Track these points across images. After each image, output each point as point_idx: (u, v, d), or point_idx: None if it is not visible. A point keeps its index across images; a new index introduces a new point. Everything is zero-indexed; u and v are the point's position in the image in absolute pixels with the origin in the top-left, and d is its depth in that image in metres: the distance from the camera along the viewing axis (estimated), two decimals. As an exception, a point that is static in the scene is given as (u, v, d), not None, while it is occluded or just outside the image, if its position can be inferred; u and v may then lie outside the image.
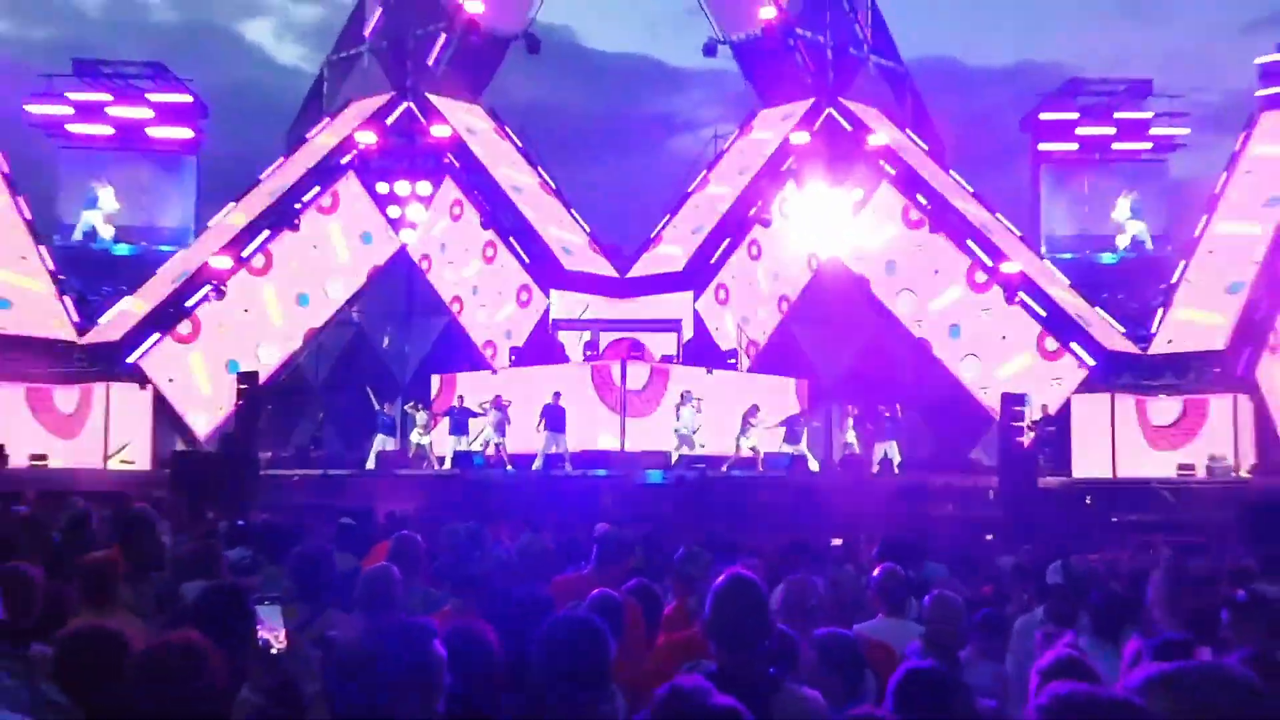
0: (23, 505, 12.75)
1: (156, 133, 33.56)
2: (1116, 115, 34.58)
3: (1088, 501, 23.09)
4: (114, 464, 25.58)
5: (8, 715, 3.22)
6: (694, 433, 25.08)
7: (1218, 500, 20.98)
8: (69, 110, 33.14)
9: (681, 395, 25.24)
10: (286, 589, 6.19)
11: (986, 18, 65.64)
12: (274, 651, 3.91)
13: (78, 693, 3.84)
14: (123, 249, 33.94)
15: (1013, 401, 23.04)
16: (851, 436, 27.89)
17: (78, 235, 33.73)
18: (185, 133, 33.79)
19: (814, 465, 26.71)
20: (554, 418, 24.94)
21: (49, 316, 27.68)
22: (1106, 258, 34.78)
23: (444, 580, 6.63)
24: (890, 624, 6.38)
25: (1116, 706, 2.36)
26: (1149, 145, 34.83)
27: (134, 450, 26.14)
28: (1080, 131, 34.65)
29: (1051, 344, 27.96)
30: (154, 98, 33.60)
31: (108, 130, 33.31)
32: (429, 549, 7.72)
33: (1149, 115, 34.91)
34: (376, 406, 27.33)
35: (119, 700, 3.20)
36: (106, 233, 33.82)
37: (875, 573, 6.90)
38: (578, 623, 3.83)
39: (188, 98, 33.95)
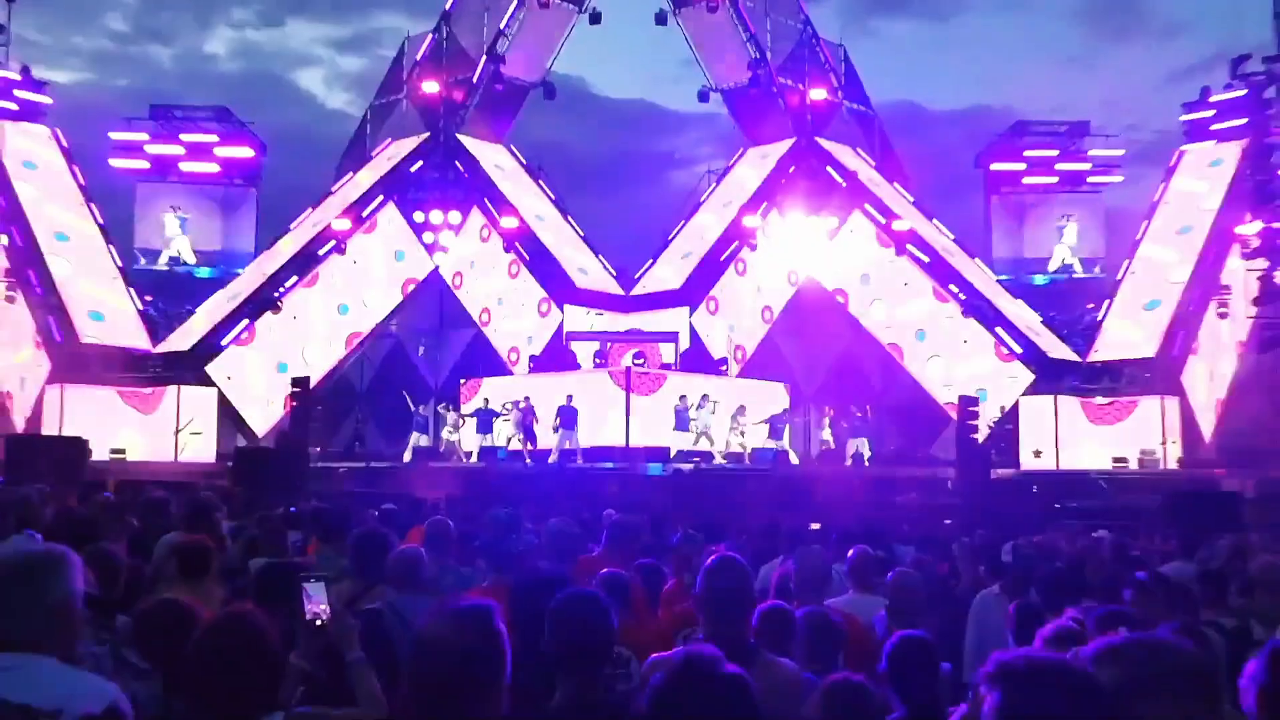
0: (106, 492, 12.81)
1: (221, 165, 33.69)
2: (1059, 153, 34.62)
3: (1034, 490, 23.09)
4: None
5: (91, 677, 3.24)
6: (706, 431, 25.17)
7: (1147, 489, 21.00)
8: (145, 144, 33.32)
9: (702, 398, 25.33)
10: (344, 566, 6.19)
11: (944, 66, 65.69)
12: (319, 623, 3.92)
13: (155, 658, 3.87)
14: (204, 271, 34.03)
15: (969, 402, 23.06)
16: (828, 434, 27.88)
17: (163, 262, 33.76)
18: (247, 168, 33.90)
19: (795, 459, 26.72)
20: (567, 417, 24.99)
21: (132, 329, 27.85)
22: (1038, 279, 34.87)
23: (484, 557, 6.63)
24: (860, 599, 6.37)
25: (1053, 668, 2.36)
26: (1087, 178, 34.87)
27: (200, 445, 26.19)
28: (1027, 170, 34.71)
29: (1005, 349, 28.05)
30: (219, 141, 33.71)
31: (178, 162, 33.47)
32: (460, 532, 7.72)
33: (1088, 152, 34.93)
34: (412, 408, 27.38)
35: (190, 664, 3.22)
36: (189, 258, 33.84)
37: (849, 554, 6.89)
38: (584, 598, 3.85)
39: (248, 138, 34.05)
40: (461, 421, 26.56)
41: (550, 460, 24.53)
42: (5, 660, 3.02)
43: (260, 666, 3.21)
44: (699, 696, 2.66)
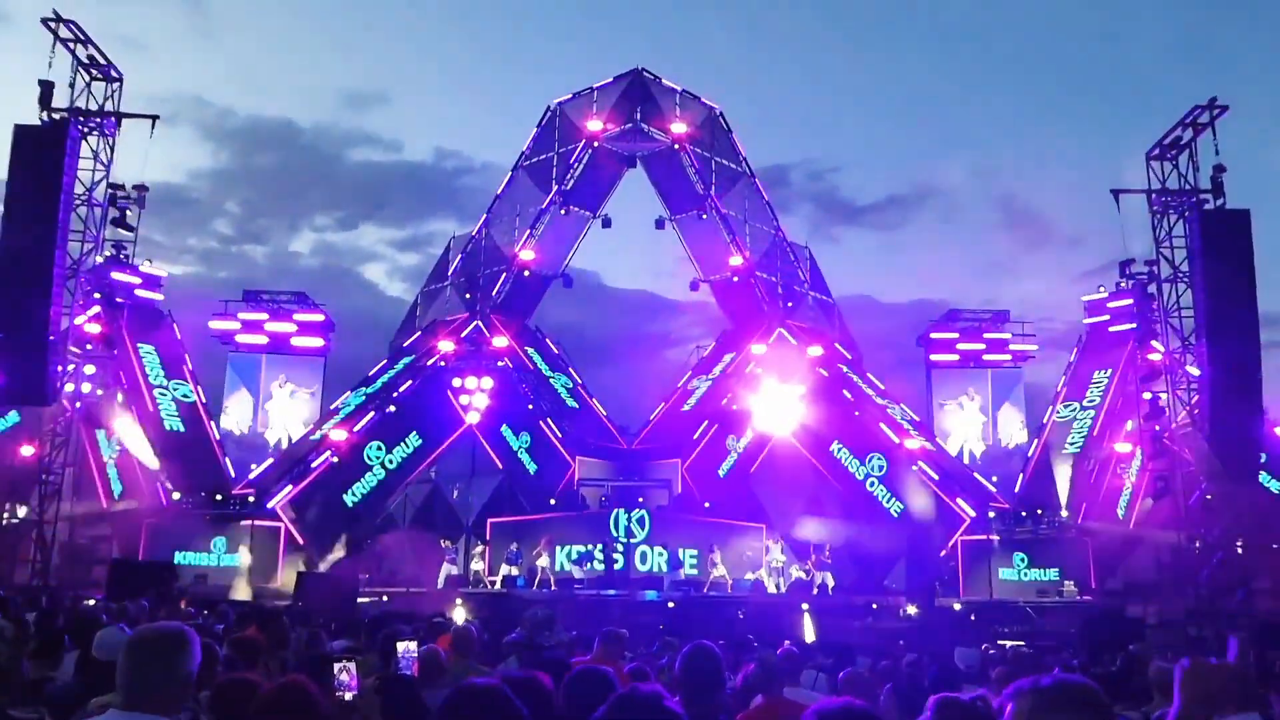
0: (190, 608, 12.82)
1: (298, 342, 34.05)
2: (985, 335, 35.00)
3: (972, 618, 22.80)
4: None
5: None
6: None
7: (1064, 616, 20.75)
8: (237, 325, 33.73)
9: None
10: (372, 660, 6.23)
11: (893, 266, 67.20)
12: (348, 698, 4.05)
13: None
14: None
15: (917, 540, 22.97)
16: (799, 571, 27.31)
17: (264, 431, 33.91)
18: (318, 342, 34.27)
19: (771, 588, 26.33)
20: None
21: (218, 476, 27.89)
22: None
23: (518, 655, 6.56)
24: (793, 690, 6.34)
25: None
26: (1008, 358, 35.16)
27: (267, 571, 25.92)
28: (959, 347, 35.05)
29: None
30: (297, 317, 34.18)
31: (263, 339, 33.83)
32: (483, 639, 7.74)
33: (1008, 336, 35.29)
34: (446, 543, 27.15)
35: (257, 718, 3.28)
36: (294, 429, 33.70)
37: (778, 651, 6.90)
38: (591, 673, 3.84)
39: (320, 317, 34.51)
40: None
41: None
42: (136, 719, 3.03)
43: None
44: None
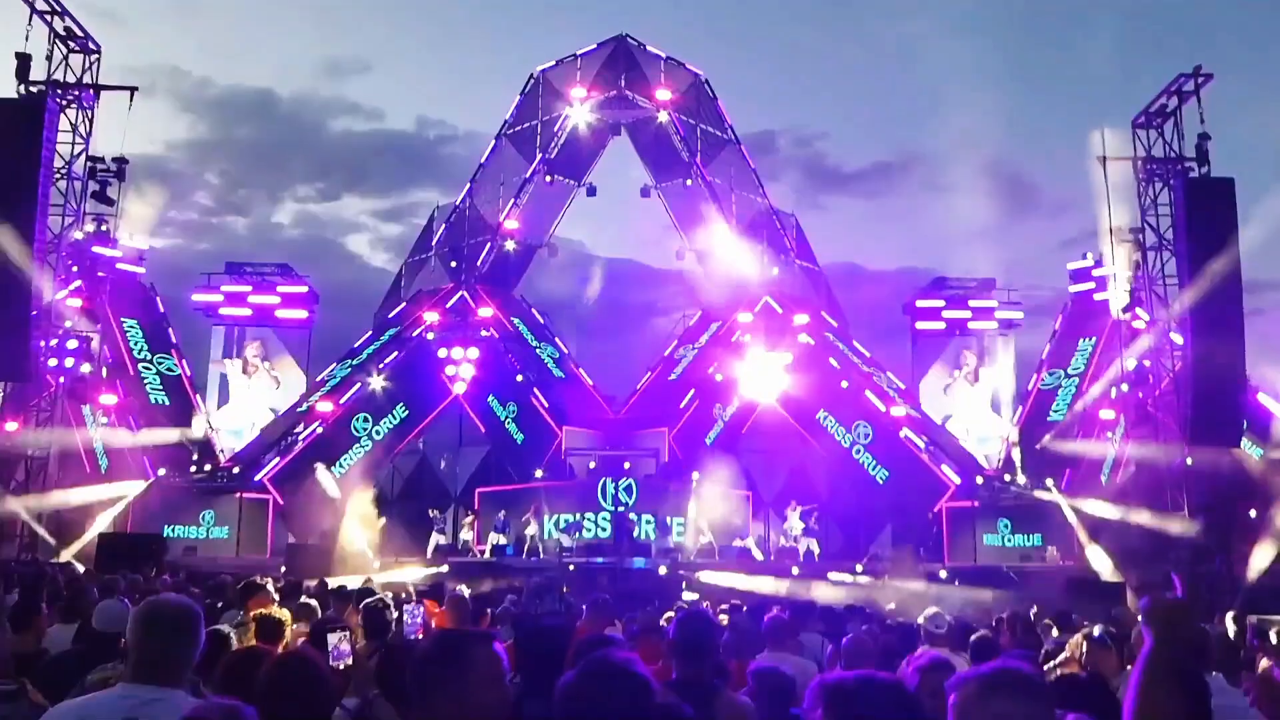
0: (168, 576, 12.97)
1: (282, 314, 33.83)
2: (971, 303, 35.00)
3: (956, 582, 23.08)
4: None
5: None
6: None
7: (1047, 580, 21.10)
8: (220, 298, 33.43)
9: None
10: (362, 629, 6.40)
11: (879, 234, 67.17)
12: (342, 666, 4.25)
13: (235, 692, 4.02)
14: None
15: (901, 510, 23.23)
16: (795, 526, 27.36)
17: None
18: (302, 314, 34.01)
19: (759, 555, 26.64)
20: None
21: (206, 449, 28.01)
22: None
23: (509, 622, 6.75)
24: (776, 655, 6.48)
25: (885, 687, 2.58)
26: (995, 325, 35.19)
27: (256, 543, 26.13)
28: (945, 315, 35.09)
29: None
30: (281, 289, 33.91)
31: (247, 312, 33.58)
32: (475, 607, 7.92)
33: (994, 304, 35.26)
34: (434, 513, 27.34)
35: (262, 687, 3.36)
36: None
37: (765, 619, 7.03)
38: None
39: (305, 289, 34.24)
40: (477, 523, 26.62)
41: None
42: (156, 693, 3.10)
43: (319, 692, 3.41)
44: (603, 688, 2.56)
